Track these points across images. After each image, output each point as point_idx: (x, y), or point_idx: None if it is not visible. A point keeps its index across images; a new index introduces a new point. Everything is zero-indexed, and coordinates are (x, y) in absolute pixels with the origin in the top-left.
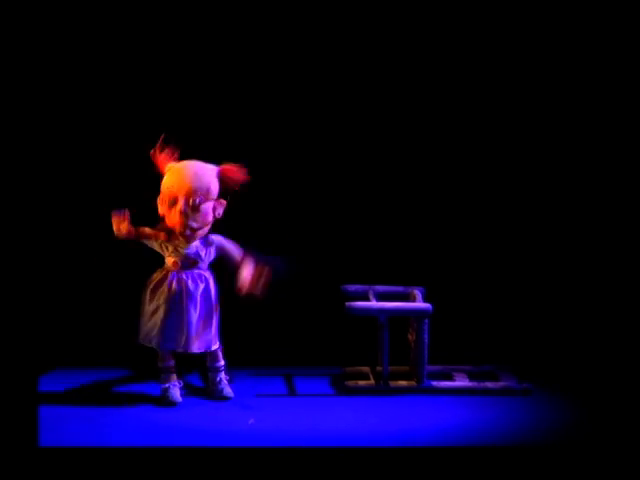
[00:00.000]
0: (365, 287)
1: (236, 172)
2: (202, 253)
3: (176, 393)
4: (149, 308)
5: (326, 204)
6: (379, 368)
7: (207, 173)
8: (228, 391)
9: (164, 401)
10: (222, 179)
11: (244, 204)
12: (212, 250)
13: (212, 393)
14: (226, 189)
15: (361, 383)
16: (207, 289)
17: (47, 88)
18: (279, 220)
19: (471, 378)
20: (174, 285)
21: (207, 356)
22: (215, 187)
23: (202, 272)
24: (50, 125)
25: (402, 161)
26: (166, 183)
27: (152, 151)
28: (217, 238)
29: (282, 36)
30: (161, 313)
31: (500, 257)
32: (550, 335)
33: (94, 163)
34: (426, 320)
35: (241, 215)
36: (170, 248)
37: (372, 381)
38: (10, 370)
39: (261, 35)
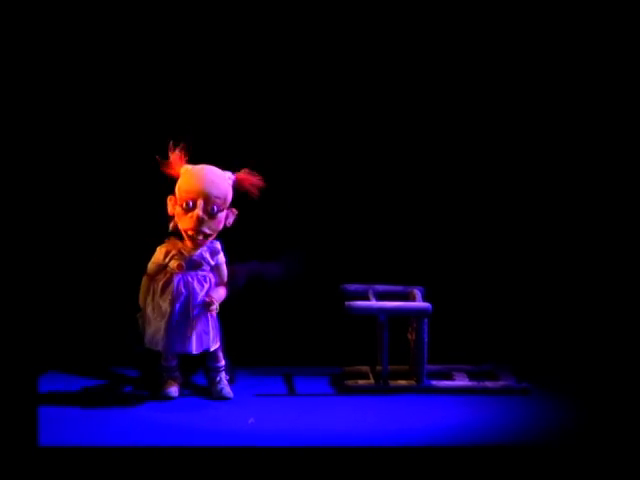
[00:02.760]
0: (365, 286)
1: (252, 182)
2: (207, 256)
3: (173, 388)
4: (154, 310)
5: (326, 204)
6: (379, 367)
7: (225, 181)
8: (227, 391)
9: (161, 395)
10: (238, 188)
11: (244, 204)
12: (216, 259)
13: (212, 393)
14: (241, 195)
15: (361, 382)
16: (210, 290)
17: (54, 91)
18: (279, 220)
19: (470, 377)
20: (181, 287)
21: (207, 356)
22: (230, 196)
23: (206, 274)
24: (49, 125)
25: (402, 161)
26: (183, 186)
27: (167, 151)
28: (221, 258)
29: (286, 40)
30: (167, 316)
31: (500, 257)
32: (550, 335)
33: (89, 162)
34: (426, 319)
35: (241, 215)
36: (174, 251)
37: (372, 380)
38: (10, 370)
39: (266, 39)
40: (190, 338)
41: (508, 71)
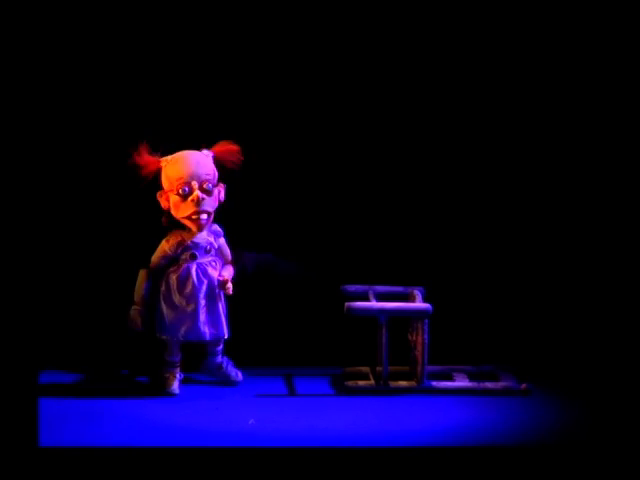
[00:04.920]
0: (365, 287)
1: (230, 151)
2: (212, 240)
3: (175, 384)
4: (174, 303)
5: (326, 204)
6: (379, 368)
7: (208, 159)
8: (237, 374)
9: (163, 391)
10: (220, 162)
11: (244, 204)
12: (219, 241)
13: (220, 377)
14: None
15: (361, 383)
16: (220, 275)
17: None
18: (279, 220)
19: (471, 378)
20: (200, 276)
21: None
22: (216, 171)
23: (214, 258)
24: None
25: (402, 161)
26: (174, 174)
27: (135, 154)
28: (223, 239)
29: (279, 33)
30: (193, 306)
31: (500, 257)
32: (550, 335)
33: (77, 160)
34: (426, 320)
35: (241, 215)
36: (181, 241)
37: (372, 381)
38: (10, 370)
39: (257, 31)
40: (220, 323)
41: (508, 71)
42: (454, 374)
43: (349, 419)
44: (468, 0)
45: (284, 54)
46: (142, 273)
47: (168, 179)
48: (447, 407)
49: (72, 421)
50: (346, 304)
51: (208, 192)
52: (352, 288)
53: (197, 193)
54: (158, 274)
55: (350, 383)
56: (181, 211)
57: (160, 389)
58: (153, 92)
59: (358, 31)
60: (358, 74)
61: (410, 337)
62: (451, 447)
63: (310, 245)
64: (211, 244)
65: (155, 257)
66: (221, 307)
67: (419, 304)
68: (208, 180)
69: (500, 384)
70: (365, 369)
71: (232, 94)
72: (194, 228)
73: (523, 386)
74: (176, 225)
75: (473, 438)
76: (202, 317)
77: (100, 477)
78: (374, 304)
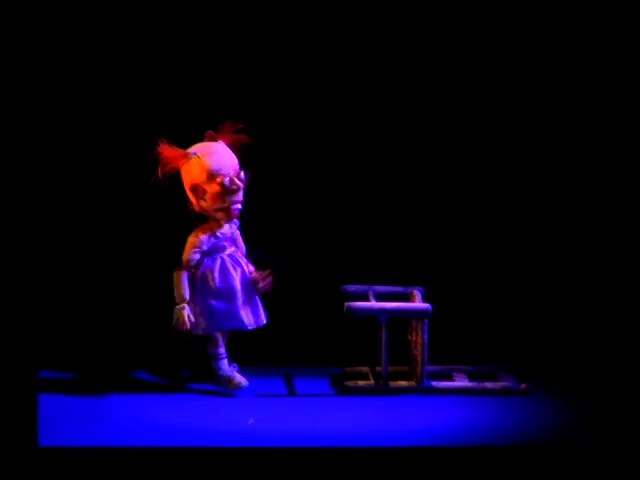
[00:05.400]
0: (365, 287)
1: (236, 137)
2: (233, 230)
3: (239, 377)
4: (215, 296)
5: (326, 204)
6: (379, 368)
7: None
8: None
9: (231, 386)
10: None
11: (243, 204)
12: (236, 232)
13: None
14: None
15: (361, 383)
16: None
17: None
18: (278, 220)
19: (471, 378)
20: (235, 265)
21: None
22: None
23: (236, 248)
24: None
25: (401, 161)
26: (211, 166)
27: (160, 148)
28: (237, 231)
29: (282, 34)
30: (232, 295)
31: (500, 257)
32: (550, 335)
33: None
34: (426, 320)
35: (240, 215)
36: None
37: (372, 381)
38: (10, 369)
39: (261, 32)
40: (258, 310)
41: (507, 71)
42: (454, 374)
43: (349, 419)
44: (471, 1)
45: (282, 52)
46: (178, 272)
47: (205, 171)
48: (447, 407)
49: (72, 421)
50: (346, 304)
51: (242, 182)
52: (352, 288)
53: (239, 183)
54: (192, 270)
55: (350, 383)
56: (220, 202)
57: (227, 385)
58: (166, 89)
59: (352, 33)
60: (356, 74)
61: (410, 337)
62: (451, 447)
63: (310, 245)
64: (233, 234)
65: (187, 253)
66: (258, 295)
67: (419, 304)
68: (240, 170)
69: (500, 384)
70: (365, 369)
71: (231, 94)
72: (228, 219)
73: (523, 386)
74: (198, 219)
75: (473, 438)
76: (242, 306)
77: (100, 477)
78: (374, 304)
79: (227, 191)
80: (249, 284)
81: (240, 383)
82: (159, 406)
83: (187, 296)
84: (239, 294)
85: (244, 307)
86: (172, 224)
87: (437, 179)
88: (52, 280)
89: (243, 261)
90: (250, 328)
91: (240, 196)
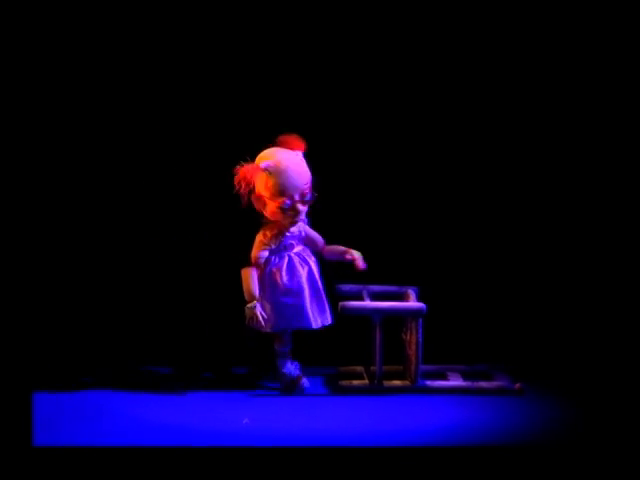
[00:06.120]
0: (359, 287)
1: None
2: (302, 228)
3: (304, 380)
4: (284, 294)
5: (321, 204)
6: (373, 368)
7: (303, 161)
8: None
9: (294, 388)
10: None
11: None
12: (305, 229)
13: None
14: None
15: (355, 383)
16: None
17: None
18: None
19: (465, 378)
20: (303, 263)
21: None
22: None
23: (304, 246)
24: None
25: (397, 161)
26: (275, 187)
27: (239, 169)
28: (307, 227)
29: (285, 41)
30: (299, 294)
31: (494, 256)
32: (544, 334)
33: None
34: (420, 320)
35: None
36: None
37: (366, 381)
38: (4, 369)
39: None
40: (325, 309)
41: (507, 71)
42: (448, 373)
43: (343, 418)
44: (474, 2)
45: (281, 49)
46: (246, 271)
47: (269, 190)
48: (441, 406)
49: (67, 419)
50: (340, 303)
51: (306, 202)
52: (346, 287)
53: (298, 207)
54: (260, 268)
55: (344, 382)
56: (280, 217)
57: (291, 386)
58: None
59: (355, 34)
60: (356, 74)
61: (404, 336)
62: (445, 447)
63: None
64: (301, 232)
65: (255, 252)
66: (323, 293)
67: (413, 303)
68: (307, 188)
69: (494, 383)
70: (359, 368)
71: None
72: (289, 225)
73: (517, 385)
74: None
75: (467, 437)
76: (309, 304)
77: (95, 477)
78: (368, 303)
79: (285, 213)
80: (316, 282)
81: (302, 385)
82: (154, 405)
83: (257, 293)
84: (306, 292)
85: (311, 306)
86: (238, 222)
87: (432, 179)
88: (52, 280)
89: (311, 260)
90: (316, 327)
91: (300, 216)
